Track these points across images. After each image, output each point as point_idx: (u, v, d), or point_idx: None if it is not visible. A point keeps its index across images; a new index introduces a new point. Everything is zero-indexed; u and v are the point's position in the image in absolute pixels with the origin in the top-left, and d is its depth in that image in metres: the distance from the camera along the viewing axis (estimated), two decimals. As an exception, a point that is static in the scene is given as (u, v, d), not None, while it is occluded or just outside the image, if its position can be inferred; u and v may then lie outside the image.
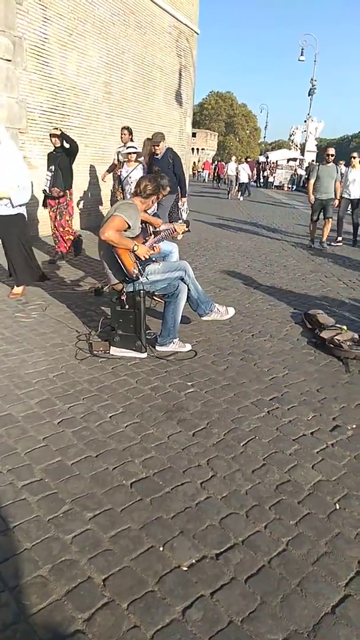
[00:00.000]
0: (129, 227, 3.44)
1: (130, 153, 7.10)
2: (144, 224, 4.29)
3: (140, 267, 3.50)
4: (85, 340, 3.86)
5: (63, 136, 6.46)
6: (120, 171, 7.42)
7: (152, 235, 4.27)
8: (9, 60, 7.01)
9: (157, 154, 6.90)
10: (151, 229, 4.39)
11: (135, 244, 3.45)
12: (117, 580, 1.70)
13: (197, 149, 50.72)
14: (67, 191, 6.55)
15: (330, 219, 8.93)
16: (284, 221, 13.34)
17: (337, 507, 2.14)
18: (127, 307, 3.53)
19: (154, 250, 3.70)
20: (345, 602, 1.68)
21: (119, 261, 3.41)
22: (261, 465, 2.41)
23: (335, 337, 3.92)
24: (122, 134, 7.78)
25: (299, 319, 4.71)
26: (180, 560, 1.81)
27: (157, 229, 4.35)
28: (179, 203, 7.37)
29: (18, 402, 2.86)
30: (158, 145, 6.81)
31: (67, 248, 6.75)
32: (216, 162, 33.06)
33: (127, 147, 7.31)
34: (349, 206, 9.43)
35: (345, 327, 4.10)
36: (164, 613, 1.59)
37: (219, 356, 3.73)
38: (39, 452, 2.40)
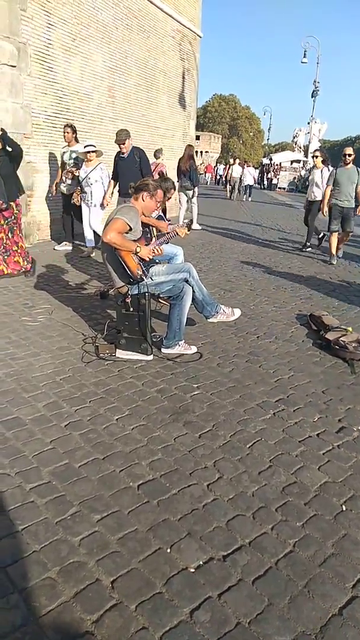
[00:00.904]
0: (130, 229, 3.46)
1: (89, 152, 6.79)
2: (148, 227, 4.32)
3: (144, 269, 3.52)
4: (91, 343, 3.87)
5: (4, 137, 5.46)
6: (78, 172, 7.05)
7: (155, 238, 4.29)
8: (14, 66, 7.06)
9: (122, 153, 6.48)
10: (155, 232, 4.41)
11: (137, 246, 3.47)
12: (125, 582, 1.71)
13: (201, 152, 50.82)
14: (13, 203, 5.56)
15: (350, 233, 7.80)
16: (288, 223, 13.34)
17: (344, 509, 2.14)
18: (132, 309, 3.54)
19: (155, 252, 3.71)
20: (353, 603, 1.68)
21: (123, 263, 3.43)
22: (267, 467, 2.42)
23: (341, 338, 3.92)
24: (65, 132, 7.28)
25: (304, 321, 4.71)
26: (187, 562, 1.81)
27: (160, 232, 4.37)
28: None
29: (26, 405, 2.88)
30: (124, 144, 6.34)
31: (23, 268, 5.78)
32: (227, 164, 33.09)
33: (85, 146, 6.89)
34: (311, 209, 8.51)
35: (350, 329, 4.10)
36: (172, 614, 1.60)
37: (225, 358, 3.74)
38: (47, 455, 2.41)
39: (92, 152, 6.83)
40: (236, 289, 5.87)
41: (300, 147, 34.45)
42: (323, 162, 8.39)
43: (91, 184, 6.90)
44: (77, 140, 7.39)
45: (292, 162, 31.94)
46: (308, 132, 32.35)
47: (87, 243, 7.38)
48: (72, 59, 8.53)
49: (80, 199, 7.14)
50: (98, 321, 4.41)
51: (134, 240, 3.53)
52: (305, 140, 33.81)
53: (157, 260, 3.73)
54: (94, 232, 7.18)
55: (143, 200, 3.69)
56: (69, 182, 7.34)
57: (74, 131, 7.31)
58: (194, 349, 3.79)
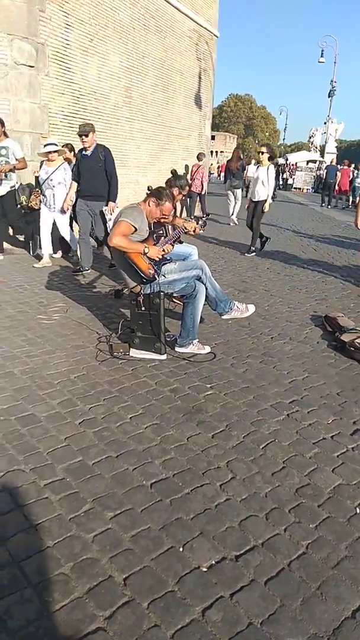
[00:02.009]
0: (136, 229, 3.46)
1: (50, 152, 6.11)
2: (163, 226, 4.31)
3: (155, 267, 3.51)
4: (105, 342, 3.90)
5: None
6: (37, 172, 6.46)
7: (164, 237, 4.27)
8: (32, 67, 7.13)
9: (85, 150, 5.73)
10: (170, 229, 4.39)
11: (145, 247, 3.46)
12: (137, 580, 1.72)
13: (216, 152, 50.74)
14: None
15: None
16: (303, 223, 13.25)
17: (358, 511, 2.12)
18: (145, 308, 3.55)
19: (164, 251, 3.66)
20: (366, 607, 1.67)
21: (133, 265, 3.43)
22: (281, 468, 2.41)
23: (356, 340, 3.89)
24: None
25: (319, 322, 4.67)
26: (200, 561, 1.82)
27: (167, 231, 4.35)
28: (105, 210, 5.87)
29: (40, 403, 2.91)
30: (87, 136, 5.56)
31: None
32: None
33: (46, 145, 6.23)
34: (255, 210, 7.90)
35: (366, 331, 4.06)
36: (184, 613, 1.61)
37: (238, 358, 3.73)
38: (61, 452, 2.44)
39: (54, 152, 6.16)
40: (250, 289, 5.85)
41: (316, 147, 34.17)
42: (270, 159, 7.71)
43: (53, 186, 6.20)
44: (5, 135, 6.36)
45: (308, 162, 31.68)
46: (324, 132, 32.11)
47: (43, 250, 6.56)
48: (89, 59, 8.58)
49: (40, 202, 6.42)
50: (112, 320, 4.43)
51: (142, 241, 3.53)
52: (322, 140, 33.56)
53: (169, 258, 3.73)
54: (62, 238, 6.67)
55: (149, 205, 3.65)
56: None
57: (2, 125, 6.23)
58: (207, 349, 3.79)
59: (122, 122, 9.94)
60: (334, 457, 2.52)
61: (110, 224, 5.89)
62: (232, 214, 12.12)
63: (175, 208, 3.88)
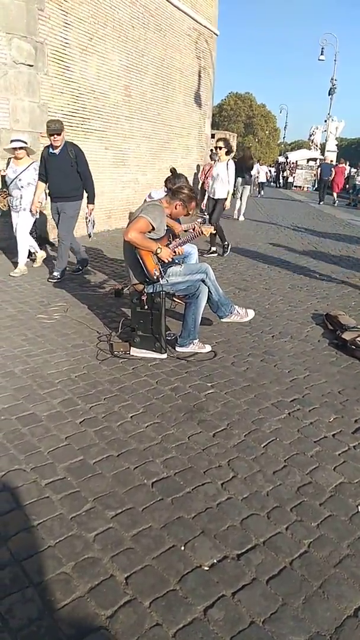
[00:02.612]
0: (153, 228, 3.46)
1: (15, 148, 5.56)
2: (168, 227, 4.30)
3: (162, 269, 3.51)
4: (106, 341, 3.89)
5: None
6: (4, 171, 5.96)
7: (178, 238, 4.26)
8: (31, 65, 7.12)
9: (54, 148, 5.36)
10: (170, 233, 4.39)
11: (158, 247, 3.47)
12: (139, 579, 1.72)
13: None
14: None
15: None
16: (304, 221, 13.23)
17: (359, 510, 2.12)
18: (146, 307, 3.55)
19: (175, 253, 3.70)
20: (368, 605, 1.66)
21: (141, 262, 3.43)
22: (282, 466, 2.40)
23: (357, 338, 3.88)
24: None
25: (320, 320, 4.67)
26: (201, 559, 1.81)
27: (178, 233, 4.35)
28: (86, 212, 5.73)
29: (41, 402, 2.91)
30: (59, 134, 5.23)
31: None
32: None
33: (12, 141, 5.71)
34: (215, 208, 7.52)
35: (367, 329, 4.06)
36: (186, 612, 1.60)
37: (239, 357, 3.73)
38: (62, 451, 2.43)
39: (20, 148, 5.59)
40: (251, 287, 5.85)
41: (316, 146, 34.13)
42: (227, 153, 7.27)
43: (22, 187, 5.69)
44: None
45: (308, 160, 31.65)
46: (325, 130, 32.07)
47: (19, 257, 6.00)
48: (88, 58, 8.57)
49: (8, 203, 5.98)
50: (113, 319, 4.43)
51: (156, 240, 3.53)
52: (322, 139, 33.52)
53: (175, 260, 3.73)
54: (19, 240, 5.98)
55: (175, 208, 3.69)
56: None
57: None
58: (208, 348, 3.79)
59: (122, 121, 9.93)
60: (336, 456, 2.52)
61: (89, 225, 5.88)
62: (240, 213, 12.71)
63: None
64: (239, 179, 12.18)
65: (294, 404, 3.04)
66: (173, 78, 11.99)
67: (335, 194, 19.27)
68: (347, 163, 21.74)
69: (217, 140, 7.30)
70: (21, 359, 3.48)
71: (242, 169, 12.07)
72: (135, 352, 3.65)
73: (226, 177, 7.30)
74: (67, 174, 5.43)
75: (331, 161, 21.17)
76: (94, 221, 6.03)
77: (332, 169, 18.82)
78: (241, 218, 12.70)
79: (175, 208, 3.69)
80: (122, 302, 4.94)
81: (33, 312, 4.54)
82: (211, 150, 12.98)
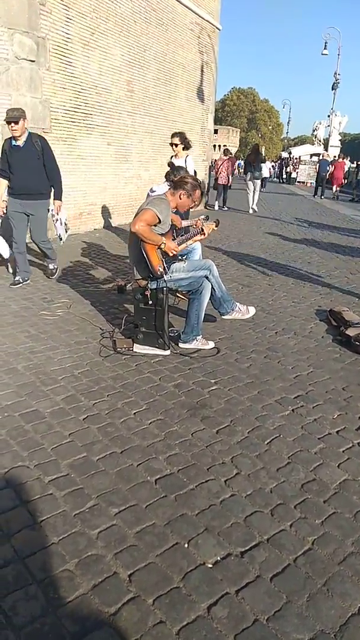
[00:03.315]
0: (160, 221, 3.44)
1: None
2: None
3: (165, 265, 3.50)
4: (109, 337, 3.89)
5: None
6: None
7: (179, 234, 4.24)
8: (33, 61, 7.09)
9: (16, 140, 4.76)
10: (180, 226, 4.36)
11: (163, 241, 3.45)
12: (142, 576, 1.71)
13: (219, 146, 50.46)
14: None
15: None
16: (307, 217, 13.18)
17: (364, 507, 2.11)
18: (150, 303, 3.54)
19: (180, 248, 3.66)
20: (373, 603, 1.65)
21: (146, 257, 3.42)
22: (286, 463, 2.39)
23: (361, 334, 3.86)
24: None
25: (324, 316, 4.65)
26: (205, 557, 1.81)
27: (184, 226, 4.32)
28: (52, 209, 5.22)
29: (44, 399, 2.90)
30: (17, 123, 4.57)
31: None
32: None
33: None
34: None
35: (371, 325, 4.03)
36: (189, 609, 1.60)
37: (243, 354, 3.71)
38: (65, 448, 2.43)
39: None
40: (254, 283, 5.83)
41: (320, 141, 34.00)
42: (185, 148, 6.34)
43: None
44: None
45: (311, 155, 31.51)
46: (328, 125, 31.93)
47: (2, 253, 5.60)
48: (90, 53, 8.53)
49: None
50: (116, 315, 4.42)
51: (162, 234, 3.51)
52: (326, 134, 33.38)
53: (178, 257, 3.71)
54: None
55: (180, 198, 3.65)
56: None
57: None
58: (211, 344, 3.78)
59: (124, 117, 9.89)
60: (340, 452, 2.50)
61: (58, 225, 5.36)
62: (252, 203, 13.53)
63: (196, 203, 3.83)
64: (249, 174, 13.18)
65: (298, 400, 3.03)
66: (175, 73, 11.93)
67: (335, 188, 19.78)
68: (349, 158, 22.46)
69: (172, 136, 6.31)
70: (24, 356, 3.48)
71: (252, 164, 12.95)
72: (138, 348, 3.64)
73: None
74: (33, 169, 4.87)
75: (334, 157, 21.98)
76: (65, 223, 5.46)
77: (330, 165, 19.72)
78: (251, 210, 13.53)
79: (180, 198, 3.65)
80: (125, 298, 4.93)
81: (36, 309, 4.53)
82: (226, 149, 14.52)
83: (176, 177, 3.83)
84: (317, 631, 1.55)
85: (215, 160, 14.68)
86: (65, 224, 5.47)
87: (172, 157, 6.41)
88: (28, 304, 4.67)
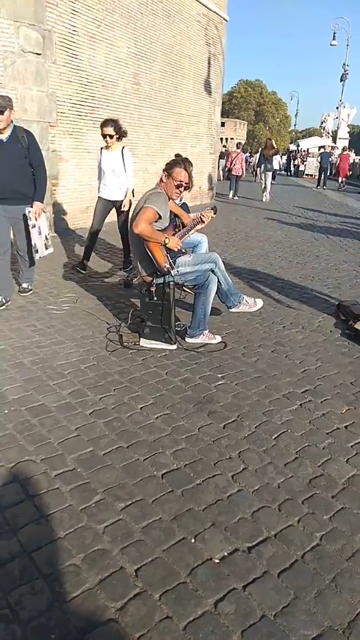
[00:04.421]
0: (160, 217, 3.41)
1: None
2: (176, 216, 4.23)
3: (171, 260, 3.46)
4: (115, 332, 3.88)
5: None
6: None
7: (181, 227, 4.20)
8: (39, 54, 7.05)
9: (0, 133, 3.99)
10: (178, 221, 4.33)
11: (166, 237, 3.42)
12: (149, 571, 1.71)
13: (226, 139, 50.16)
14: None
15: None
16: (315, 210, 13.08)
17: (373, 503, 2.08)
18: (156, 298, 3.52)
19: (183, 240, 3.60)
20: (382, 599, 1.63)
21: (150, 255, 3.39)
22: (294, 458, 2.37)
23: (370, 328, 3.82)
24: None
25: (332, 310, 4.61)
26: (212, 552, 1.80)
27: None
28: (29, 213, 4.24)
29: (51, 393, 2.90)
30: (2, 113, 3.85)
31: None
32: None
33: None
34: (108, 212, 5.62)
35: (380, 318, 3.99)
36: (196, 605, 1.59)
37: (250, 348, 3.69)
38: (72, 442, 2.43)
39: None
40: (262, 277, 5.78)
41: (328, 133, 33.69)
42: (119, 139, 5.30)
43: None
44: None
45: (319, 148, 31.26)
46: (336, 117, 31.62)
47: None
48: (97, 46, 8.48)
49: None
50: (122, 310, 4.41)
51: (162, 230, 3.48)
52: (334, 126, 33.07)
53: (183, 250, 3.67)
54: None
55: (162, 181, 3.59)
56: None
57: None
58: (218, 339, 3.75)
59: (131, 109, 9.84)
60: (348, 448, 2.48)
61: (35, 235, 4.38)
62: (266, 192, 14.99)
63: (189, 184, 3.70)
64: (262, 166, 14.77)
65: (306, 395, 3.01)
66: (182, 65, 11.83)
67: (340, 179, 21.15)
68: (353, 151, 24.51)
69: (104, 124, 5.20)
70: (31, 350, 3.48)
71: (267, 157, 14.48)
72: (144, 343, 3.63)
73: (122, 171, 5.33)
74: (18, 168, 4.12)
75: (334, 148, 24.27)
76: (46, 236, 4.53)
77: (331, 157, 22.00)
78: (265, 199, 14.85)
79: (162, 181, 3.58)
80: (132, 292, 4.91)
81: (42, 303, 4.53)
82: (238, 143, 16.83)
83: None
84: (325, 627, 1.54)
85: (229, 152, 16.44)
86: (46, 237, 4.52)
87: (102, 149, 5.40)
88: (34, 298, 4.67)
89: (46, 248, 4.53)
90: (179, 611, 1.57)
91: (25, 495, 2.05)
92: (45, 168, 4.39)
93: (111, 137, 5.20)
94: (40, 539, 1.82)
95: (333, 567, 1.76)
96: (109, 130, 5.17)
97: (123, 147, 5.35)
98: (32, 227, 4.31)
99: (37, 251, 4.44)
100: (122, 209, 5.50)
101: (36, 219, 4.32)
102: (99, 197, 5.56)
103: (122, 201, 5.47)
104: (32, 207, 4.28)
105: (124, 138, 5.37)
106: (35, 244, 4.40)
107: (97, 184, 5.62)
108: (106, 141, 5.27)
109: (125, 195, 5.46)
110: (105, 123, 5.24)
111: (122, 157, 5.33)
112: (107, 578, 1.68)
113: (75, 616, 1.54)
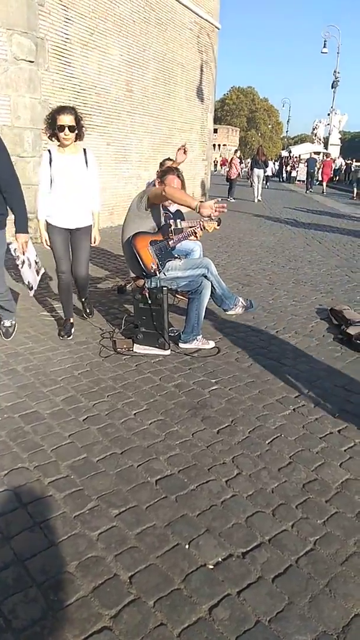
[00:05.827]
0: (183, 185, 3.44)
1: None
2: (174, 219, 4.25)
3: (160, 263, 3.47)
4: (108, 337, 3.87)
5: None
6: None
7: (174, 233, 4.20)
8: (32, 62, 7.08)
9: None
10: (173, 226, 4.34)
11: (198, 202, 3.16)
12: (143, 578, 1.70)
13: (219, 145, 50.45)
14: None
15: None
16: (307, 215, 13.16)
17: (366, 507, 2.09)
18: (149, 302, 3.52)
19: (219, 211, 3.18)
20: (376, 603, 1.64)
21: (137, 256, 3.39)
22: (287, 463, 2.38)
23: (362, 333, 3.84)
24: None
25: (325, 315, 4.63)
26: (206, 558, 1.79)
27: (180, 227, 4.30)
28: (14, 248, 3.67)
29: (44, 400, 2.89)
30: None
31: None
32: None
33: None
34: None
35: (372, 323, 4.02)
36: (191, 611, 1.58)
37: (243, 353, 3.70)
38: (65, 449, 2.42)
39: None
40: (255, 283, 5.81)
41: (320, 139, 33.97)
42: (77, 136, 3.65)
43: None
44: None
45: (311, 154, 31.50)
46: (328, 124, 31.90)
47: None
48: (89, 54, 8.52)
49: None
50: (116, 316, 4.40)
51: (153, 234, 3.49)
52: (325, 132, 33.36)
53: (175, 255, 3.68)
54: None
55: (156, 186, 3.63)
56: None
57: None
58: (212, 344, 3.76)
59: (124, 116, 9.88)
60: (341, 452, 2.49)
61: (26, 270, 3.84)
62: (258, 194, 16.53)
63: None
64: (254, 170, 16.32)
65: (299, 399, 3.02)
66: (175, 73, 11.91)
67: (324, 184, 22.85)
68: (339, 157, 29.54)
69: (60, 110, 3.58)
70: (24, 357, 3.47)
71: (258, 162, 16.11)
72: (138, 348, 3.63)
73: (85, 184, 3.69)
74: None
75: (331, 156, 26.41)
76: (36, 262, 3.93)
77: (317, 163, 23.89)
78: (256, 200, 16.29)
79: (156, 186, 3.65)
80: (125, 298, 4.92)
81: (35, 310, 4.52)
82: (235, 150, 18.54)
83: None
84: (319, 632, 1.53)
85: (231, 158, 17.66)
86: (37, 263, 3.95)
87: (49, 151, 3.69)
88: (27, 304, 4.66)
89: (38, 274, 4.00)
90: (173, 618, 1.56)
91: (18, 502, 2.04)
92: (18, 182, 3.41)
93: (72, 129, 3.51)
94: (34, 547, 1.81)
95: (327, 571, 1.76)
96: (69, 119, 3.50)
97: (85, 149, 3.75)
98: (21, 266, 3.78)
99: (31, 288, 3.99)
100: (91, 242, 3.86)
101: (23, 253, 3.67)
102: (49, 225, 3.69)
103: (86, 228, 3.77)
104: (16, 239, 3.49)
105: (84, 138, 3.75)
106: (28, 282, 3.94)
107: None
108: (63, 137, 3.52)
109: (93, 223, 3.82)
110: (62, 109, 3.54)
111: (86, 162, 3.68)
112: (101, 585, 1.67)
113: (69, 624, 1.53)
